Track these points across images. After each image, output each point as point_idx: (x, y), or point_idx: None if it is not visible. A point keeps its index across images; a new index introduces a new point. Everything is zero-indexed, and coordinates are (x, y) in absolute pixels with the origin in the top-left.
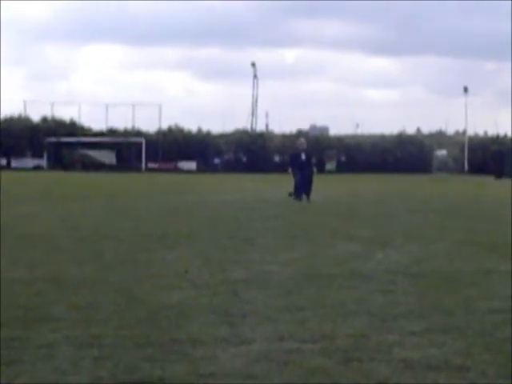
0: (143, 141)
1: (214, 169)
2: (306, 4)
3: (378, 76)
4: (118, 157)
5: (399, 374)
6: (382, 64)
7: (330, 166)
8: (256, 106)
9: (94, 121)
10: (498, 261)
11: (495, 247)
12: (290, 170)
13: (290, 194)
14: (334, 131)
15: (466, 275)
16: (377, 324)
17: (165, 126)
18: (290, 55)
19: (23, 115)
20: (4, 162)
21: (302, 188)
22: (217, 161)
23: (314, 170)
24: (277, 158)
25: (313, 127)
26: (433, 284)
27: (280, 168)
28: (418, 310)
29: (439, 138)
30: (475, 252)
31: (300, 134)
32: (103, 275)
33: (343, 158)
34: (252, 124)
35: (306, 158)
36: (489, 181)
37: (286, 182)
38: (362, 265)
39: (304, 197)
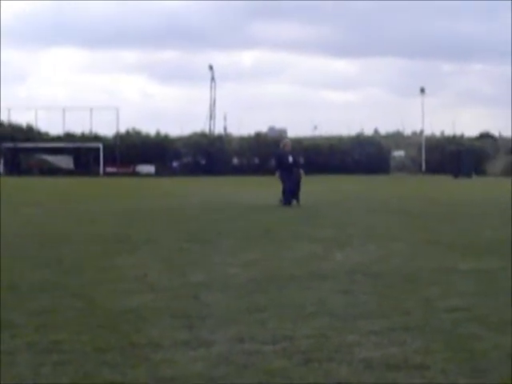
0: (101, 145)
1: (172, 172)
2: (264, 6)
3: (335, 78)
4: (76, 161)
5: (359, 374)
6: (339, 65)
7: None
8: (214, 108)
9: (51, 125)
10: (457, 259)
11: (455, 246)
12: (277, 174)
13: (280, 200)
14: (292, 133)
15: (425, 274)
16: (337, 324)
17: (122, 129)
18: (248, 57)
19: None
20: None
21: (291, 192)
22: (175, 164)
23: (302, 172)
24: (235, 161)
25: (271, 129)
26: (393, 283)
27: (238, 171)
28: (378, 310)
29: (397, 138)
30: (435, 251)
31: (258, 136)
32: (62, 280)
33: (301, 160)
34: (210, 127)
35: (294, 160)
36: (447, 180)
37: (244, 184)
38: (322, 265)
39: (294, 201)
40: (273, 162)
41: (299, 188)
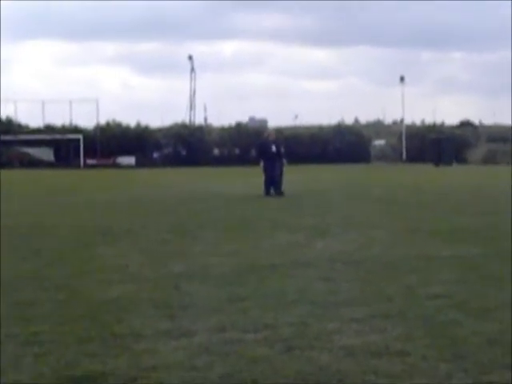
0: (81, 137)
1: (153, 163)
2: None
3: (316, 67)
4: (56, 153)
5: (340, 361)
6: (319, 55)
7: None
8: (194, 99)
9: (31, 118)
10: (438, 247)
11: (436, 234)
12: (261, 164)
13: (280, 194)
14: (272, 123)
15: (406, 262)
16: (318, 312)
17: (103, 121)
18: (227, 48)
19: None
20: None
21: (271, 183)
22: (156, 155)
23: (285, 161)
24: (216, 151)
25: (252, 119)
26: (374, 271)
27: (219, 161)
28: (359, 297)
29: (377, 127)
30: (416, 239)
31: (239, 126)
32: (43, 271)
33: (282, 149)
34: (190, 117)
35: (277, 150)
36: (428, 168)
37: (225, 175)
38: (303, 254)
39: (272, 191)
40: (253, 152)
41: (282, 177)
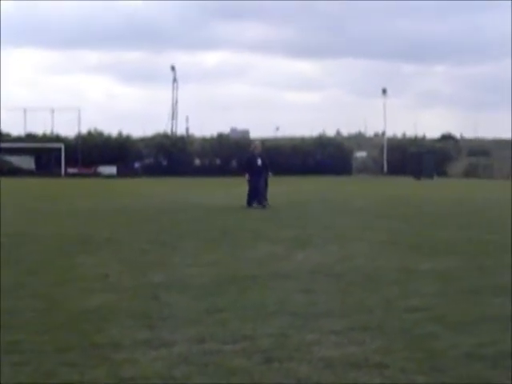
0: (62, 146)
1: (134, 173)
2: (227, 7)
3: (298, 79)
4: (37, 162)
5: (319, 373)
6: (302, 67)
7: None
8: (176, 109)
9: (13, 126)
10: (418, 260)
11: (416, 247)
12: (247, 176)
13: (264, 206)
14: (254, 134)
15: (386, 274)
16: (297, 323)
17: (84, 130)
18: (210, 59)
19: None
20: None
21: (256, 195)
22: (137, 165)
23: (270, 173)
24: (197, 162)
25: (233, 130)
26: (354, 283)
27: (200, 172)
28: (339, 309)
29: (359, 139)
30: (396, 251)
31: (221, 137)
32: (23, 280)
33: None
34: (172, 128)
35: (263, 163)
36: (408, 181)
37: (206, 186)
38: (284, 265)
39: (255, 203)
40: (234, 164)
41: (267, 189)
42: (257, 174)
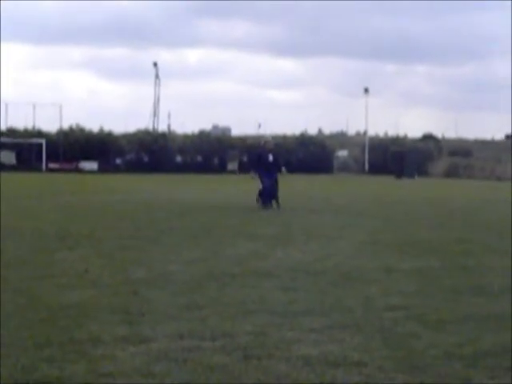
0: (44, 141)
1: (115, 169)
2: (211, 4)
3: (281, 77)
4: (18, 157)
5: (298, 371)
6: (286, 65)
7: (232, 166)
8: (158, 106)
9: None
10: (399, 259)
11: (396, 246)
12: (253, 174)
13: (257, 200)
14: (236, 131)
15: (366, 273)
16: (277, 321)
17: (66, 126)
18: (193, 55)
19: None
20: None
21: (271, 194)
22: (118, 161)
23: (284, 170)
24: (179, 159)
25: (215, 127)
26: (333, 281)
27: (182, 168)
28: (319, 307)
29: (340, 138)
30: (376, 250)
31: (202, 134)
32: (2, 275)
33: (245, 159)
34: (154, 124)
35: (274, 160)
36: (389, 181)
37: (187, 182)
38: (264, 263)
39: (274, 204)
40: (215, 161)
41: (277, 187)
42: (268, 171)
